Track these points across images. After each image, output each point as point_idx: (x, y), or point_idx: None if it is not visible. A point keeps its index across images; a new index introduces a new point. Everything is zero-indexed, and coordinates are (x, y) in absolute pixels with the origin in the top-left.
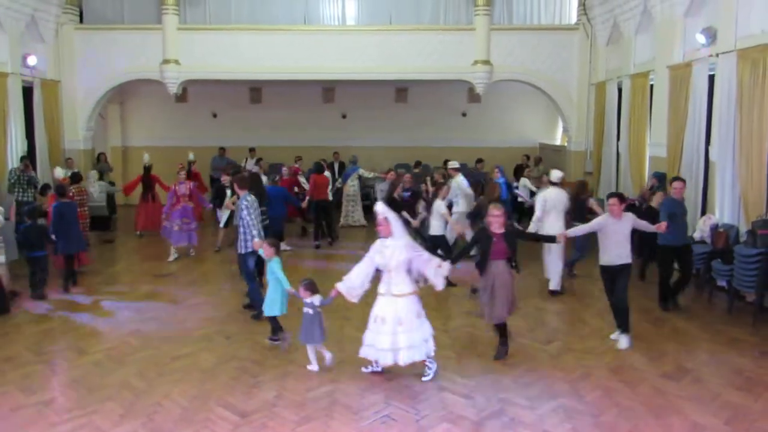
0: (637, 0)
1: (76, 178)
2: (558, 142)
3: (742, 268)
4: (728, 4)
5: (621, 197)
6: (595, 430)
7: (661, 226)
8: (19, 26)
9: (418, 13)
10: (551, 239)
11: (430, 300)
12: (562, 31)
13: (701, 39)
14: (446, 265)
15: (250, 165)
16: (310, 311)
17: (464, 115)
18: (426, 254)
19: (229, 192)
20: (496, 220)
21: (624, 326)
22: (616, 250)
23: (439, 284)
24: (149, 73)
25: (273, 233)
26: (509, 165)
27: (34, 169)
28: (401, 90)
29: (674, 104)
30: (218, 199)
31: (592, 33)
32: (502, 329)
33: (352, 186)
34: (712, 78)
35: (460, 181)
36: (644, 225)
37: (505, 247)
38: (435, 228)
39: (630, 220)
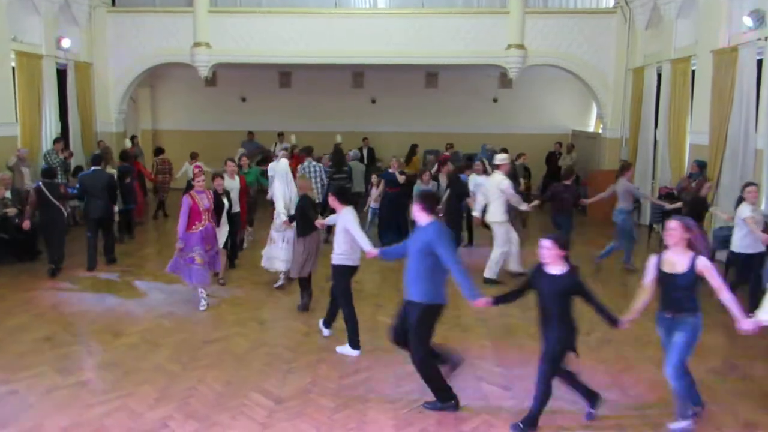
0: None
1: (159, 151)
2: (592, 129)
3: None
4: None
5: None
6: (642, 424)
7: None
8: (53, 9)
9: None
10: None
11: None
12: (599, 14)
13: (748, 22)
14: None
15: (279, 149)
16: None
17: (495, 100)
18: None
19: (226, 201)
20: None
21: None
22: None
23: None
24: (180, 56)
25: None
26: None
27: (67, 149)
28: (431, 75)
29: (718, 90)
30: (215, 212)
31: (631, 16)
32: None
33: None
34: (759, 63)
35: None
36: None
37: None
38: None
39: (342, 217)
